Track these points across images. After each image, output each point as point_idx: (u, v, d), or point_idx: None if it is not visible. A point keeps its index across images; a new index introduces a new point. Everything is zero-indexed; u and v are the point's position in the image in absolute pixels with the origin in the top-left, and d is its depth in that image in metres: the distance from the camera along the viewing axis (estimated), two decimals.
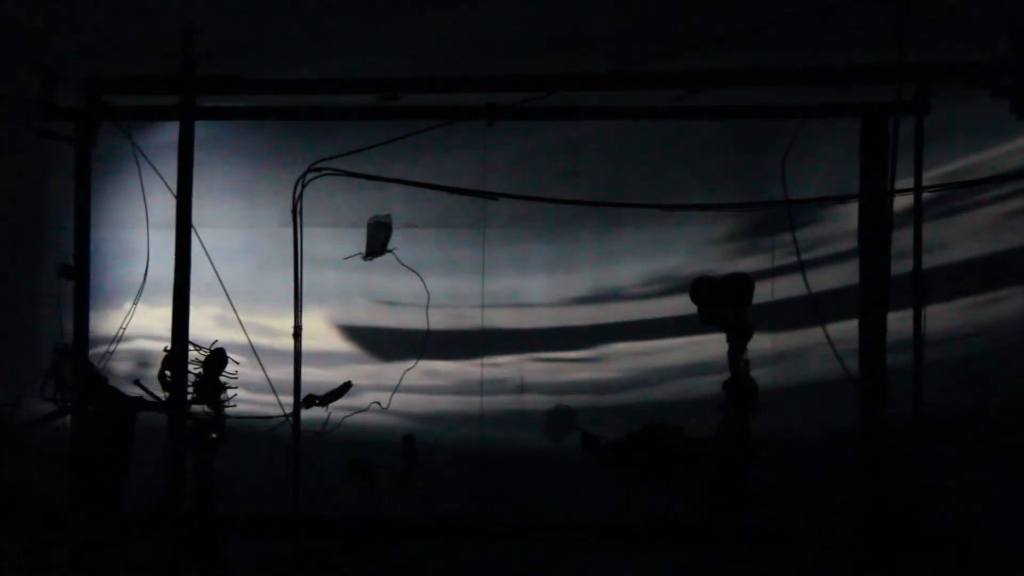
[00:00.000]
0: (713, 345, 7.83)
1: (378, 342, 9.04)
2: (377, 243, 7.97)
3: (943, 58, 7.36)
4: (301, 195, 7.80)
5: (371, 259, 8.00)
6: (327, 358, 8.90)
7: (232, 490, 7.75)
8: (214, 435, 7.74)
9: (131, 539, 7.63)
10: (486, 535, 7.63)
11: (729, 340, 7.58)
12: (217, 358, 7.80)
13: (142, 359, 8.49)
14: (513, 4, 8.39)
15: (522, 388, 8.68)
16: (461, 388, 9.24)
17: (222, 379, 7.80)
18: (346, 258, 8.02)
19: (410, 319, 9.09)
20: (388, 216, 7.97)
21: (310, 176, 7.77)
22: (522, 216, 8.84)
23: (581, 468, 7.76)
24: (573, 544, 7.71)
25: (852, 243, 7.66)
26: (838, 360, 7.57)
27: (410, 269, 8.04)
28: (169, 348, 7.76)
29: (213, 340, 7.84)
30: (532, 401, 8.83)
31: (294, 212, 7.80)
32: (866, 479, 7.41)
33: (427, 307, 8.21)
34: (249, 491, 7.94)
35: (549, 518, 7.77)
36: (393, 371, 8.29)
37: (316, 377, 8.65)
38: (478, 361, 9.24)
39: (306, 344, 7.93)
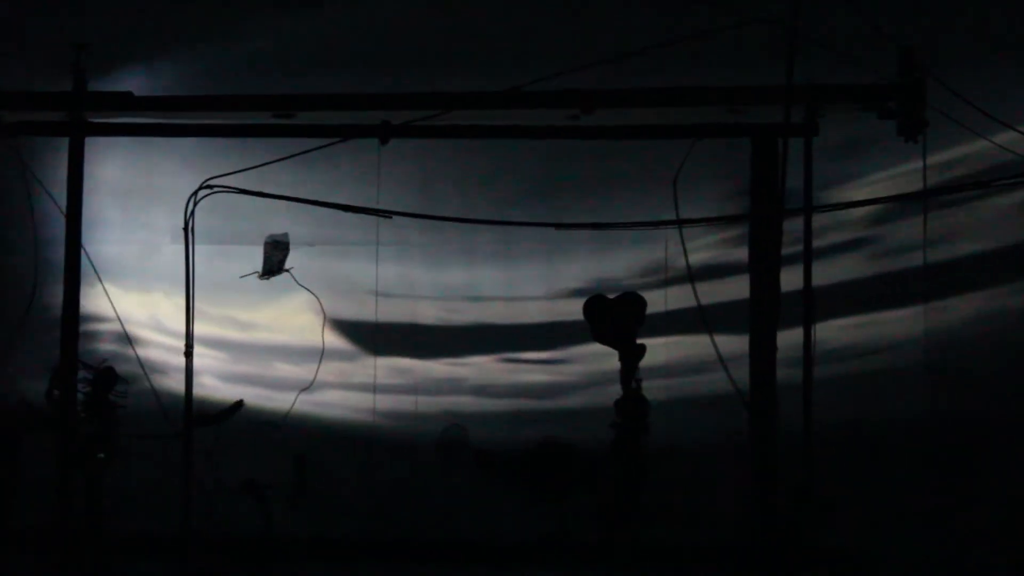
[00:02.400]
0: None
1: (358, 336, 8.78)
2: (274, 262, 7.93)
3: (832, 81, 7.46)
4: (193, 212, 7.74)
5: (267, 278, 7.96)
6: (299, 354, 8.58)
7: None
8: (102, 455, 7.65)
9: (18, 560, 7.51)
10: (378, 554, 7.61)
11: (621, 359, 7.61)
12: (106, 377, 7.71)
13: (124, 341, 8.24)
14: (407, 22, 8.38)
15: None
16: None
17: (112, 398, 7.71)
18: (242, 277, 7.97)
19: (397, 311, 8.89)
20: (285, 235, 7.95)
21: (202, 193, 7.71)
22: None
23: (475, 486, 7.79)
24: (467, 562, 7.71)
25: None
26: (727, 375, 7.65)
27: (306, 288, 7.99)
28: (58, 366, 7.69)
29: (103, 358, 7.76)
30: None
31: (186, 229, 7.72)
32: (757, 492, 7.48)
33: (322, 328, 8.18)
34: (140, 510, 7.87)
35: (443, 536, 7.77)
36: (363, 368, 8.33)
37: (284, 373, 8.54)
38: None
39: (274, 338, 7.94)
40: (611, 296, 7.72)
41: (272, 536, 7.59)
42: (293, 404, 8.11)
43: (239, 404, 7.84)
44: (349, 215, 7.61)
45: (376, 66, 8.29)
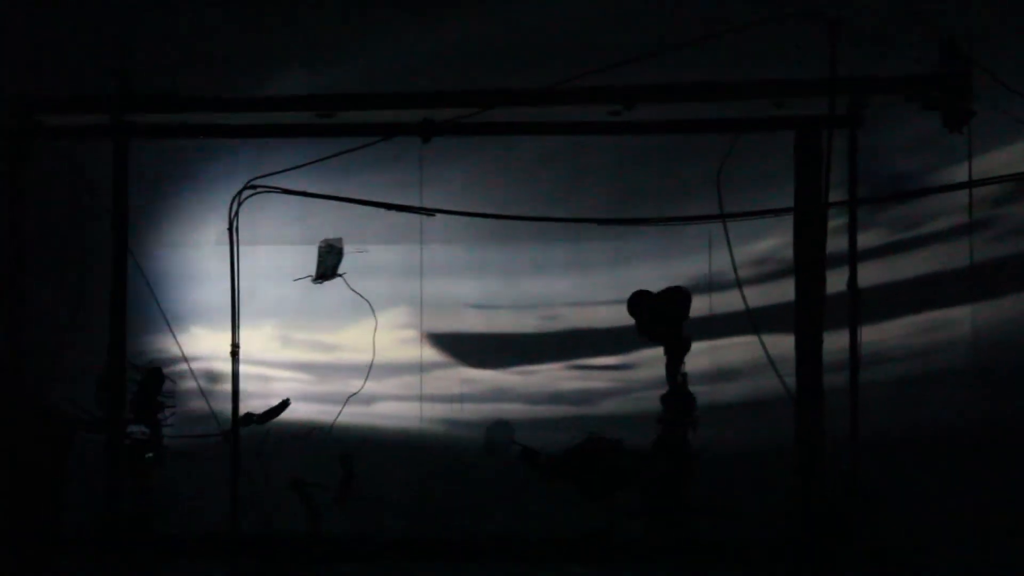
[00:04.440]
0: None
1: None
2: (327, 266, 7.95)
3: (874, 72, 7.43)
4: (237, 212, 7.78)
5: (321, 283, 7.98)
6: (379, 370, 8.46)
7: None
8: (151, 454, 7.69)
9: (68, 560, 7.56)
10: (424, 552, 7.61)
11: (667, 353, 7.59)
12: (154, 377, 7.76)
13: (213, 377, 8.24)
14: (448, 20, 8.39)
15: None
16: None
17: (160, 398, 7.76)
18: (295, 280, 8.00)
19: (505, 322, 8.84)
20: (339, 239, 7.97)
21: (246, 193, 7.75)
22: None
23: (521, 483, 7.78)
24: (513, 559, 7.70)
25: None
26: (777, 375, 7.68)
27: (358, 295, 7.99)
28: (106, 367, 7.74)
29: (149, 359, 7.80)
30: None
31: (230, 229, 7.77)
32: (802, 489, 7.47)
33: (374, 333, 8.14)
34: (188, 510, 7.91)
35: (489, 533, 7.77)
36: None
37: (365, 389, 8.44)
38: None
39: (357, 357, 7.90)
40: (655, 291, 7.68)
41: (320, 534, 7.60)
42: (342, 409, 8.11)
43: (286, 403, 7.86)
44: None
45: (418, 66, 8.26)
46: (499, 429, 7.92)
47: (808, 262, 7.69)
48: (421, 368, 8.94)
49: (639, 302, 7.69)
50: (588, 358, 8.06)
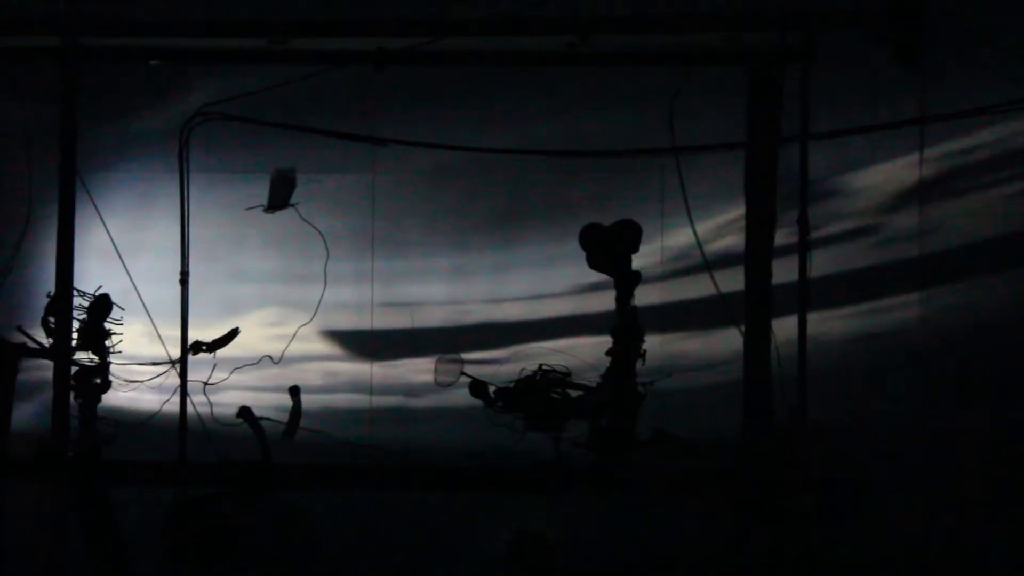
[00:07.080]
0: None
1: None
2: (280, 196, 7.87)
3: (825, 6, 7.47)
4: (187, 140, 7.72)
5: (272, 212, 7.92)
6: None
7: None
8: (98, 381, 7.65)
9: (13, 486, 7.51)
10: (374, 481, 7.61)
11: (617, 286, 7.61)
12: (102, 304, 7.70)
13: None
14: None
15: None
16: None
17: (107, 325, 7.71)
18: (247, 209, 7.94)
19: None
20: (292, 169, 7.89)
21: (196, 121, 7.69)
22: None
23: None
24: (461, 490, 7.72)
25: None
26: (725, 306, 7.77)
27: (310, 224, 7.95)
28: (53, 294, 7.67)
29: (98, 286, 7.74)
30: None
31: (180, 158, 7.72)
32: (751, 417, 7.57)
33: (325, 263, 8.11)
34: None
35: (438, 464, 7.78)
36: None
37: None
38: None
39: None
40: (606, 224, 7.69)
41: (270, 464, 7.56)
42: (291, 341, 8.10)
43: (235, 331, 7.83)
44: None
45: None
46: (447, 363, 7.90)
47: (759, 197, 7.76)
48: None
49: (590, 235, 7.69)
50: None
